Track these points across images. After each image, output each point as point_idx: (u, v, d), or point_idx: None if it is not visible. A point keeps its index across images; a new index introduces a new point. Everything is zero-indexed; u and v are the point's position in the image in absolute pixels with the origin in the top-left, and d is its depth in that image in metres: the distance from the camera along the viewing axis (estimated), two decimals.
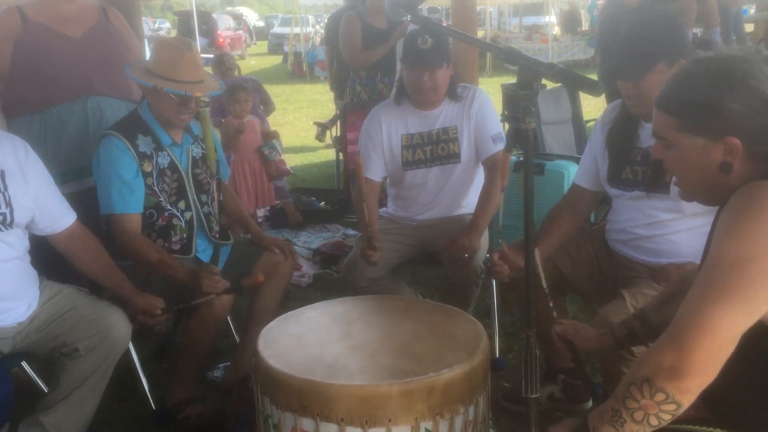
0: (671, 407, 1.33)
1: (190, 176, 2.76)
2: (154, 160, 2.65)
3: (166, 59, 2.59)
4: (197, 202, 2.78)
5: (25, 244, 2.33)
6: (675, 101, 1.49)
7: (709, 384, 1.32)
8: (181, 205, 2.72)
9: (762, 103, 1.40)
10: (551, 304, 2.02)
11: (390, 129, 3.04)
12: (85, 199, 2.75)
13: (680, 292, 1.42)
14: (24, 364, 2.62)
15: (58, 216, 2.41)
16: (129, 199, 2.59)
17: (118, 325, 2.34)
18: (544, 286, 2.03)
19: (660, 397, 1.32)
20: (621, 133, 2.39)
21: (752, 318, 1.31)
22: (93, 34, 3.02)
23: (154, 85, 2.55)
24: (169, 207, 2.68)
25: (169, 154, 2.69)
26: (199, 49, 2.74)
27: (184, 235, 2.73)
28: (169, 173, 2.69)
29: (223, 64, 6.14)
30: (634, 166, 2.36)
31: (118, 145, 2.59)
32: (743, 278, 1.29)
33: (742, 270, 1.30)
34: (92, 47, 2.99)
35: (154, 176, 2.64)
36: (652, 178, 2.29)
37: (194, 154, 2.80)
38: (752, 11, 10.68)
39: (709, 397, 1.38)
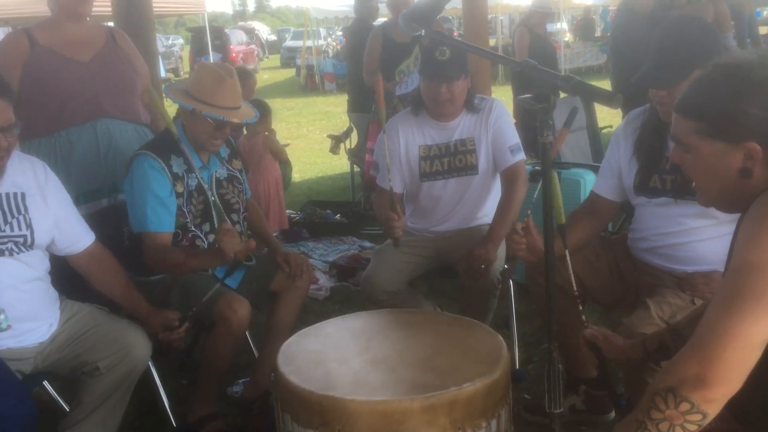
0: (697, 417, 1.31)
1: (216, 199, 2.76)
2: (185, 181, 2.66)
3: (206, 83, 2.62)
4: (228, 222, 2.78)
5: (46, 264, 2.35)
6: (694, 106, 1.48)
7: (737, 394, 1.30)
8: (206, 227, 2.73)
9: None
10: (581, 307, 1.97)
11: (408, 140, 3.04)
12: (99, 219, 2.75)
13: None
14: (46, 383, 2.63)
15: (77, 236, 2.43)
16: (164, 217, 2.60)
17: (138, 343, 2.35)
18: (575, 288, 1.98)
19: (685, 407, 1.31)
20: (650, 141, 2.35)
21: None
22: (101, 58, 3.05)
23: (193, 107, 2.57)
24: (193, 228, 2.69)
25: (197, 177, 2.70)
26: (235, 72, 2.75)
27: None
28: (196, 195, 2.70)
29: (247, 79, 5.93)
30: (663, 175, 2.32)
31: (152, 165, 2.60)
32: (767, 284, 1.28)
33: (766, 276, 1.28)
34: (101, 71, 3.02)
35: (185, 197, 2.66)
36: (681, 184, 2.24)
37: (219, 176, 2.81)
38: (766, 13, 10.60)
39: (736, 408, 1.36)
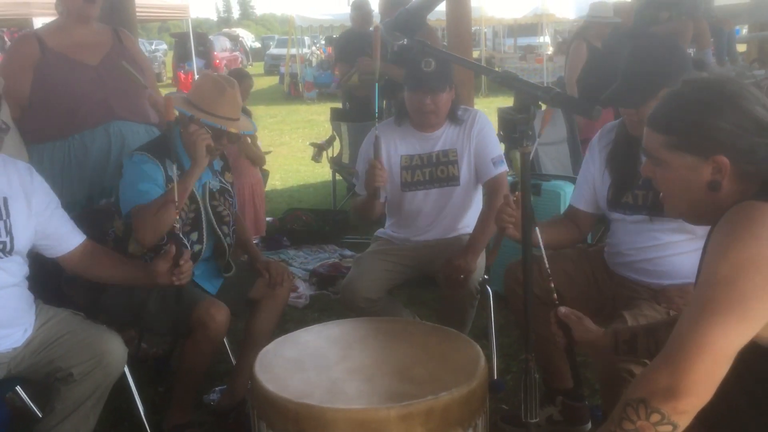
0: (667, 428, 1.32)
1: (209, 209, 2.75)
2: None
3: (207, 92, 2.63)
4: (220, 234, 2.77)
5: (24, 270, 2.32)
6: (665, 120, 1.51)
7: (707, 405, 1.32)
8: (194, 236, 2.72)
9: (751, 122, 1.42)
10: (552, 286, 1.95)
11: (389, 149, 3.04)
12: (95, 214, 2.77)
13: None
14: (18, 389, 2.59)
15: (64, 237, 2.39)
16: (155, 196, 2.54)
17: (114, 349, 2.31)
18: (546, 266, 1.95)
19: (656, 418, 1.32)
20: (621, 156, 2.39)
21: (746, 336, 1.31)
22: (109, 60, 3.07)
23: (192, 114, 2.57)
24: (181, 236, 2.67)
25: None
26: (195, 71, 2.77)
27: None
28: (188, 203, 2.68)
29: (244, 79, 5.45)
30: (635, 190, 2.34)
31: (147, 161, 2.60)
32: (736, 297, 1.29)
33: (735, 288, 1.30)
34: (110, 73, 3.05)
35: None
36: (655, 202, 2.26)
37: (212, 188, 2.79)
38: (744, 32, 10.77)
39: (707, 419, 1.37)
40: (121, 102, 3.05)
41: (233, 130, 2.64)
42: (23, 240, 2.25)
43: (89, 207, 2.95)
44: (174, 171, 2.55)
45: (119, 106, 3.04)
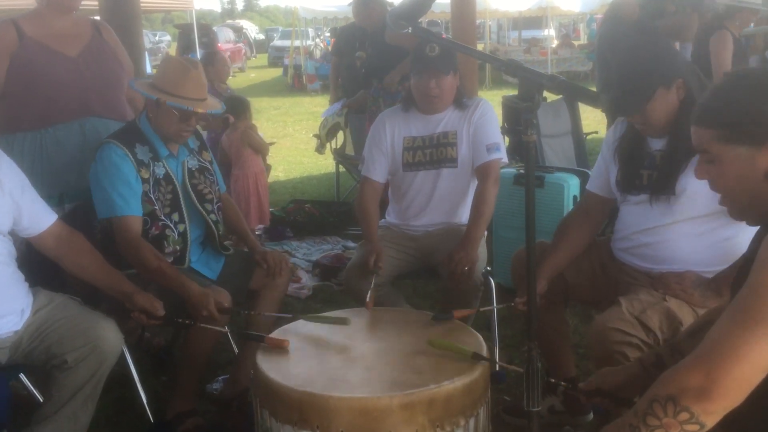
0: (694, 428, 1.31)
1: (189, 188, 2.76)
2: (151, 168, 2.66)
3: (171, 75, 2.62)
4: (203, 212, 2.78)
5: (10, 249, 2.30)
6: (713, 114, 1.48)
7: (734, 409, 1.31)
8: (175, 217, 2.72)
9: None
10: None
11: (394, 131, 3.08)
12: (78, 215, 2.73)
13: (713, 321, 1.40)
14: (22, 376, 2.60)
15: (35, 217, 2.37)
16: (131, 201, 2.59)
17: (109, 336, 2.31)
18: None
19: (684, 416, 1.31)
20: (630, 139, 2.43)
21: None
22: (88, 52, 3.01)
23: (158, 98, 2.57)
24: (163, 218, 2.68)
25: (164, 166, 2.70)
26: (201, 65, 2.76)
27: (177, 248, 2.72)
28: (164, 184, 2.70)
29: (214, 63, 5.62)
30: (641, 170, 2.38)
31: (117, 152, 2.60)
32: None
33: None
34: (89, 66, 2.99)
35: (151, 184, 2.65)
36: (659, 181, 2.31)
37: (190, 166, 2.80)
38: (751, 25, 10.72)
39: (728, 421, 1.35)
40: (99, 96, 2.99)
41: (200, 110, 2.63)
42: (1, 218, 2.23)
43: (60, 206, 2.87)
44: (146, 154, 2.58)
45: (96, 100, 2.98)
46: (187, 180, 2.76)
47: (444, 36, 3.83)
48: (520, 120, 1.55)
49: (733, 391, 1.29)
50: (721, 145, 1.46)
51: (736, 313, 1.32)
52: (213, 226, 2.81)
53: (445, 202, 3.09)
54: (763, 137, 1.41)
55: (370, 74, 5.39)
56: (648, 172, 2.36)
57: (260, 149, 5.09)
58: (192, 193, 2.77)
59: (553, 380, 2.04)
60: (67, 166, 2.94)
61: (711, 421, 1.31)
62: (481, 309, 2.76)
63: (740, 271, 1.45)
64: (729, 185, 1.50)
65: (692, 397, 1.30)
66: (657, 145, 2.36)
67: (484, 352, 1.95)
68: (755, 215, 1.52)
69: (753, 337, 1.28)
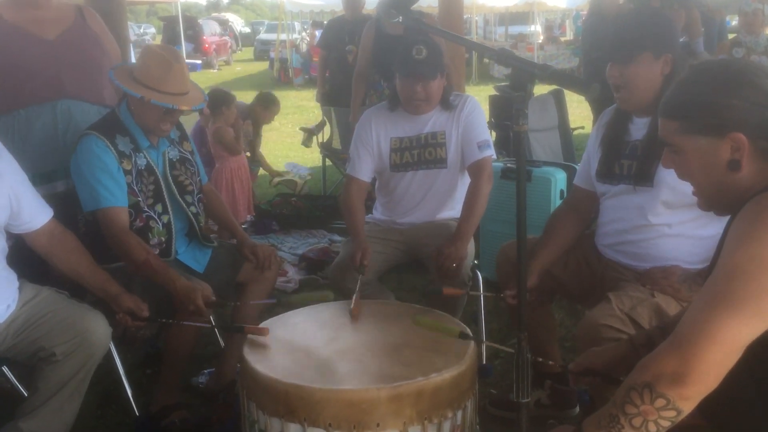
0: (671, 414, 1.32)
1: (169, 179, 2.74)
2: (133, 159, 2.64)
3: (153, 69, 2.57)
4: (182, 203, 2.76)
5: (2, 246, 2.28)
6: (677, 106, 1.50)
7: (710, 394, 1.31)
8: (158, 208, 2.70)
9: (762, 96, 1.41)
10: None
11: (380, 131, 3.05)
12: (56, 202, 2.69)
13: None
14: (5, 369, 2.57)
15: (34, 213, 2.36)
16: (116, 192, 2.57)
17: (97, 329, 2.29)
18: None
19: (660, 403, 1.31)
20: (613, 129, 2.44)
21: (759, 330, 1.30)
22: (68, 36, 2.96)
23: (142, 96, 2.53)
24: (146, 209, 2.66)
25: (145, 156, 2.68)
26: (184, 55, 2.73)
27: (163, 239, 2.70)
28: (146, 175, 2.67)
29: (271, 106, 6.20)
30: (622, 160, 2.39)
31: (98, 144, 2.57)
32: (753, 291, 1.28)
33: (753, 281, 1.29)
34: (66, 49, 2.93)
35: (134, 175, 2.63)
36: (639, 171, 2.32)
37: (171, 157, 2.78)
38: (734, 23, 10.81)
39: (706, 405, 1.36)
40: (75, 80, 2.92)
41: (184, 107, 2.61)
42: None
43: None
44: (127, 145, 2.57)
45: (72, 83, 2.91)
46: (168, 171, 2.74)
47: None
48: (510, 112, 1.55)
49: (707, 375, 1.29)
50: (683, 137, 1.48)
51: (706, 297, 1.33)
52: (193, 219, 2.79)
53: (433, 201, 3.08)
54: (723, 128, 1.43)
55: (381, 72, 5.05)
56: (628, 162, 2.37)
57: (231, 149, 5.04)
58: (173, 184, 2.74)
59: (540, 359, 2.03)
60: (36, 148, 2.87)
61: (688, 406, 1.32)
62: (471, 292, 2.78)
63: (713, 260, 1.46)
64: (694, 176, 1.52)
65: (668, 383, 1.31)
66: (639, 134, 2.36)
67: (472, 345, 1.95)
68: (721, 206, 1.54)
69: (725, 320, 1.28)
